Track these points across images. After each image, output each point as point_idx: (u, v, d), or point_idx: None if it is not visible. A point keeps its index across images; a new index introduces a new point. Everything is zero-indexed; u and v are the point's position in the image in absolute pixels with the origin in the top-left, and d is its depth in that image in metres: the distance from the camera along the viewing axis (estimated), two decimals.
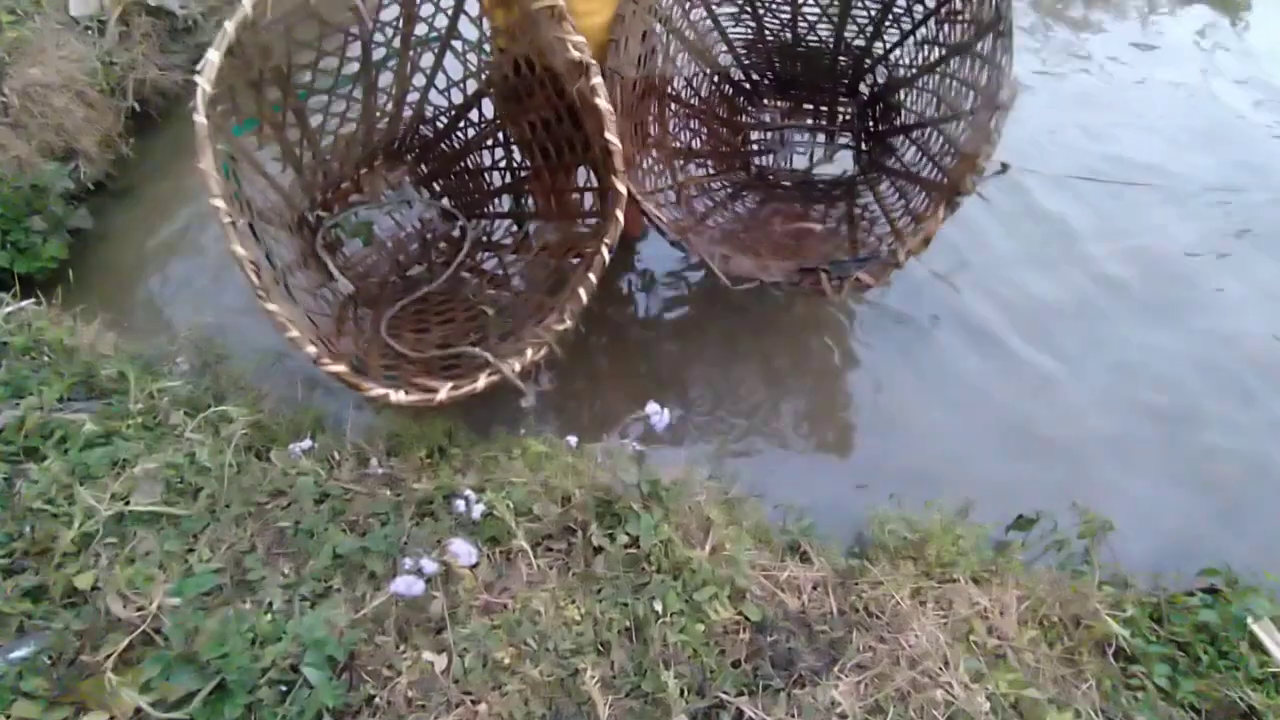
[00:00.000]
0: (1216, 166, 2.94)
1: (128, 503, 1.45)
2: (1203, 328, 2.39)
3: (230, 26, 1.46)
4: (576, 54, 1.77)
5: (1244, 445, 2.10)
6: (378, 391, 1.50)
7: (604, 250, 1.80)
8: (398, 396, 1.51)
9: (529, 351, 1.67)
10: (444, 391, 1.55)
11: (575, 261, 1.97)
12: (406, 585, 1.22)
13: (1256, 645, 1.48)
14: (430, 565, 1.28)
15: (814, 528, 1.68)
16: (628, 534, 1.43)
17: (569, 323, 1.73)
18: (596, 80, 1.79)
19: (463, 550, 1.26)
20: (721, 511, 1.58)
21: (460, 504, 1.43)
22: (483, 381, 1.60)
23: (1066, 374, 2.27)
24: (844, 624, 1.43)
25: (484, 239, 2.37)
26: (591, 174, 2.04)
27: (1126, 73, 3.46)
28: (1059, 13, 3.86)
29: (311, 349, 1.44)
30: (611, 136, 1.80)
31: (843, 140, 2.70)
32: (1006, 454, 2.07)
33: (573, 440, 1.58)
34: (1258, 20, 3.87)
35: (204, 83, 1.43)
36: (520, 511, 1.48)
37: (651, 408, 1.35)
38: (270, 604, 1.30)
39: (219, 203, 1.41)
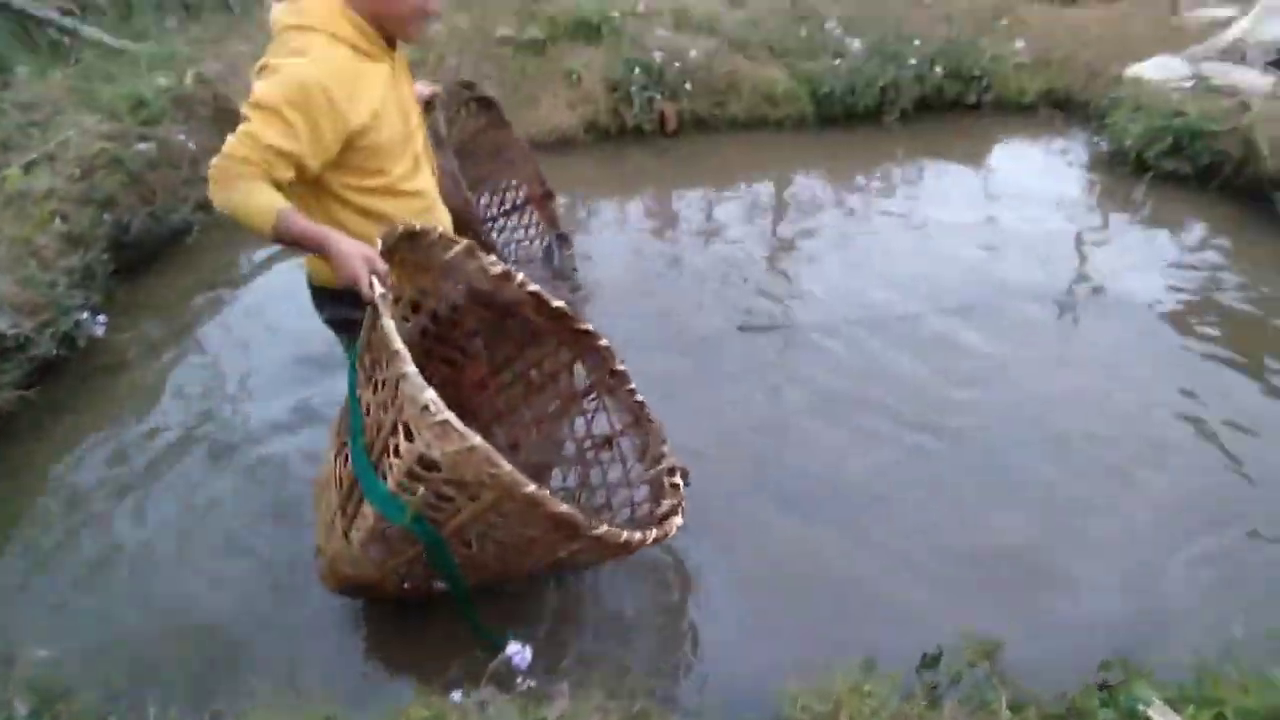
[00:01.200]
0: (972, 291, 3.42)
1: None
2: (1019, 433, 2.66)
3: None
4: (499, 268, 2.00)
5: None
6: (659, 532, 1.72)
7: (615, 358, 2.13)
8: (651, 535, 1.69)
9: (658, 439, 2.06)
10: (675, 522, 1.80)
11: (574, 386, 2.25)
12: None
13: None
14: None
15: None
16: None
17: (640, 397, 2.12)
18: (521, 275, 2.04)
19: None
20: None
21: None
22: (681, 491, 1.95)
23: (914, 501, 2.43)
24: None
25: None
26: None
27: (890, 226, 4.07)
28: (836, 190, 4.53)
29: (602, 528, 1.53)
30: (557, 302, 2.09)
31: None
32: (891, 596, 2.14)
33: (456, 696, 1.50)
34: (998, 169, 4.70)
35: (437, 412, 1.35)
36: None
37: (512, 648, 1.32)
38: None
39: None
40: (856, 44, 5.46)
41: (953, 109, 5.46)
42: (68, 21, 5.36)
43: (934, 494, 2.45)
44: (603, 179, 4.86)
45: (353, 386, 1.67)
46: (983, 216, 4.16)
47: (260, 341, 3.36)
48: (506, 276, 2.04)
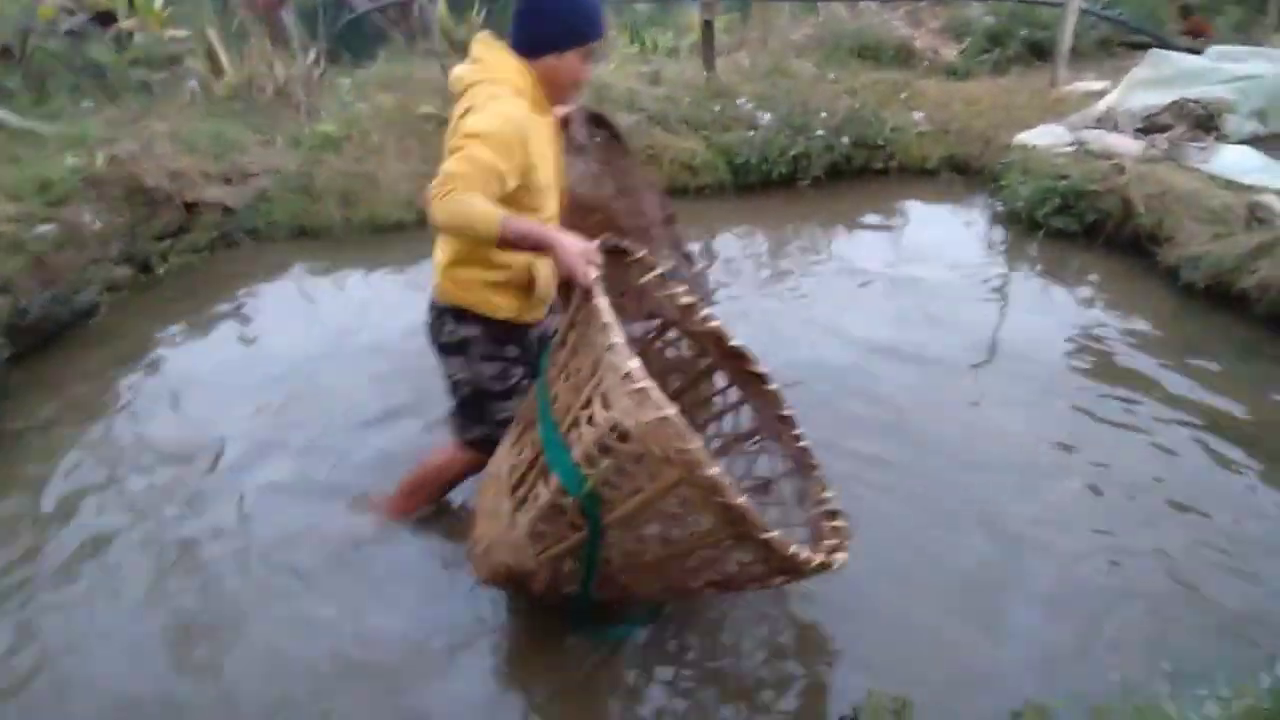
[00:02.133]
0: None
1: None
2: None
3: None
4: (686, 299, 2.04)
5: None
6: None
7: (785, 402, 2.13)
8: (818, 558, 1.63)
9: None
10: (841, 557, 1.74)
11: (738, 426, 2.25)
12: None
13: None
14: None
15: None
16: None
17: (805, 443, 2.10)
18: (705, 310, 2.07)
19: None
20: None
21: None
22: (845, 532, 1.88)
23: None
24: None
25: None
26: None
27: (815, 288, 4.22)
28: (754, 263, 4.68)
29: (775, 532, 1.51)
30: (736, 341, 2.12)
31: None
32: (808, 657, 2.13)
33: None
34: (905, 230, 4.95)
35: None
36: None
37: None
38: None
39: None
40: (767, 117, 5.75)
41: (861, 174, 5.77)
42: None
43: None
44: None
45: (543, 374, 1.82)
46: (892, 274, 4.35)
47: (163, 418, 3.23)
48: (692, 309, 2.07)
